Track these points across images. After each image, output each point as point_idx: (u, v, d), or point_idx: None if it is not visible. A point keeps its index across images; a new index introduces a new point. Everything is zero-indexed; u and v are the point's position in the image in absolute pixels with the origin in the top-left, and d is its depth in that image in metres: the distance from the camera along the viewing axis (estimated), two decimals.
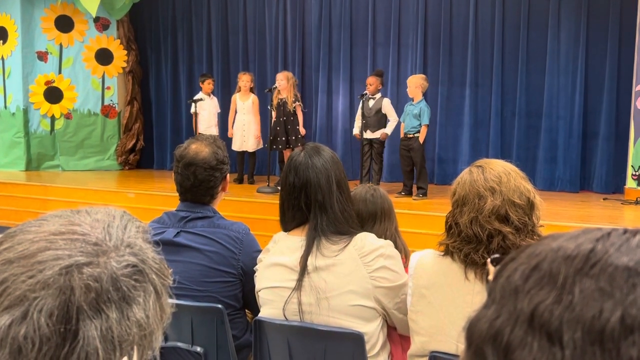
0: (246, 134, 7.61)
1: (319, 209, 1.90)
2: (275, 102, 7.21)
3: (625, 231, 0.46)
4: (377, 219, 2.34)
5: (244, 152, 7.71)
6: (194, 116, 7.63)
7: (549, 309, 0.42)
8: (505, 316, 0.44)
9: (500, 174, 1.73)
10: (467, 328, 0.46)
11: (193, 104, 7.57)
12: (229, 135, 7.63)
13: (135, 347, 0.68)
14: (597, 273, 0.42)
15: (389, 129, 7.00)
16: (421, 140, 6.57)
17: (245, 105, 7.59)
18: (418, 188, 6.68)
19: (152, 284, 0.71)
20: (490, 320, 0.44)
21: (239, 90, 7.65)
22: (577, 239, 0.46)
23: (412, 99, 6.74)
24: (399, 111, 7.32)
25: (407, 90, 6.80)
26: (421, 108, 6.58)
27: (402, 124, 6.84)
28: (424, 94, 6.79)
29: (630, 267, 0.42)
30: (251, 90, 7.68)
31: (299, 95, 7.41)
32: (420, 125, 6.57)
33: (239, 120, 7.61)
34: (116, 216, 0.75)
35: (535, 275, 0.44)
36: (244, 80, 7.57)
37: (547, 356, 0.40)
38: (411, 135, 6.63)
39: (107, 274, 0.67)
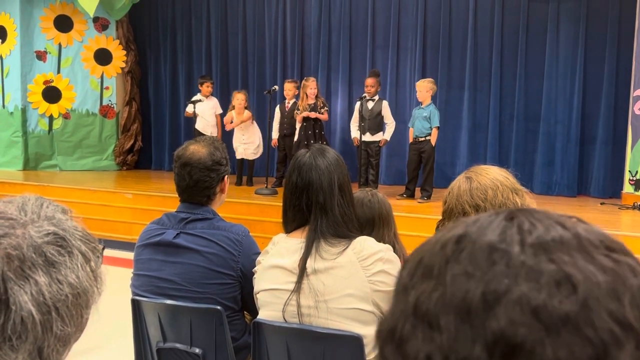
0: (247, 146, 7.68)
1: (319, 210, 1.89)
2: (302, 107, 7.23)
3: (497, 213, 0.48)
4: (375, 225, 2.33)
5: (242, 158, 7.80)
6: (194, 117, 7.65)
7: (427, 299, 0.44)
8: (397, 314, 0.46)
9: (487, 188, 1.68)
10: (376, 331, 0.49)
11: (191, 105, 7.58)
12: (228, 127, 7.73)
13: (71, 306, 0.72)
14: (464, 257, 0.45)
15: (387, 135, 7.01)
16: (433, 142, 6.63)
17: (242, 123, 7.63)
18: (423, 190, 6.70)
19: (77, 249, 0.74)
20: (387, 319, 0.47)
21: (233, 109, 7.65)
22: (454, 229, 0.48)
23: (421, 103, 6.77)
24: (399, 115, 7.34)
25: (417, 94, 6.83)
26: (431, 111, 6.64)
27: (410, 129, 6.87)
28: (433, 97, 6.82)
29: (491, 243, 0.45)
30: (245, 107, 7.70)
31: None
32: (431, 127, 6.62)
33: (238, 137, 7.68)
34: (31, 198, 0.78)
35: (419, 270, 0.47)
36: (239, 99, 7.55)
37: (428, 342, 0.43)
38: (422, 139, 6.67)
39: (27, 243, 0.70)
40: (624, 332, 0.41)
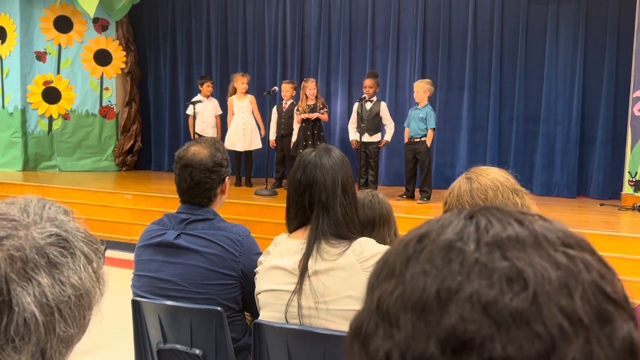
0: (247, 134, 7.60)
1: (321, 209, 1.90)
2: (301, 108, 7.23)
3: (459, 212, 0.49)
4: (376, 226, 2.33)
5: (241, 153, 7.71)
6: (190, 118, 7.64)
7: (388, 298, 0.45)
8: (364, 313, 0.47)
9: (487, 188, 1.68)
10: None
11: (191, 106, 7.58)
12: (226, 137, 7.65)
13: (74, 308, 0.72)
14: (423, 256, 0.46)
15: (388, 136, 7.01)
16: (428, 143, 6.64)
17: (243, 104, 7.59)
18: (422, 191, 6.71)
19: (80, 251, 0.75)
20: (356, 318, 0.48)
21: (234, 92, 7.64)
22: (419, 228, 0.50)
23: (418, 104, 6.78)
24: (399, 115, 7.33)
25: (414, 95, 6.83)
26: (427, 112, 6.64)
27: (406, 128, 6.87)
28: (431, 98, 6.84)
29: (449, 242, 0.46)
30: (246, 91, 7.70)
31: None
32: (426, 128, 6.62)
33: (239, 120, 7.59)
34: (33, 199, 0.78)
35: (384, 270, 0.48)
36: (243, 81, 7.57)
37: (388, 339, 0.44)
38: (418, 139, 6.66)
39: (29, 244, 0.70)
40: (573, 327, 0.41)
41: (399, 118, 7.90)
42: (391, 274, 0.47)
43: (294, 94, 7.56)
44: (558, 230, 0.47)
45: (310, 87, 7.23)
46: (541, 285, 0.42)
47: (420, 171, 6.72)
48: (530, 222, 0.47)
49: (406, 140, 6.85)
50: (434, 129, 6.70)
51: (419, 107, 6.73)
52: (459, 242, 0.45)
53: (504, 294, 0.42)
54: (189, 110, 7.62)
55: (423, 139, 6.63)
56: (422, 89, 6.71)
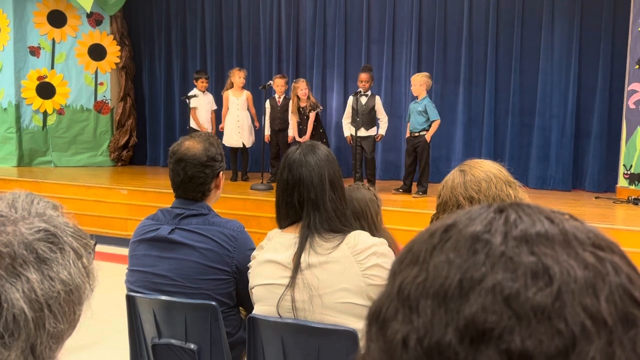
0: (241, 129, 7.60)
1: (311, 207, 1.90)
2: (294, 107, 7.22)
3: (489, 205, 0.50)
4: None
5: (237, 149, 7.73)
6: (192, 112, 7.63)
7: (410, 284, 0.46)
8: (384, 297, 0.48)
9: (480, 180, 1.69)
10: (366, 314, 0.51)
11: (188, 100, 7.57)
12: (220, 129, 7.65)
13: (63, 303, 0.71)
14: (449, 246, 0.46)
15: (382, 130, 6.99)
16: (428, 137, 6.59)
17: (239, 100, 7.59)
18: (419, 185, 6.70)
19: (69, 246, 0.74)
20: (376, 302, 0.49)
21: (231, 87, 7.63)
22: (446, 219, 0.50)
23: (417, 97, 6.75)
24: (395, 109, 7.32)
25: (412, 88, 6.81)
26: (426, 105, 6.60)
27: (408, 123, 6.84)
28: (428, 91, 6.80)
29: (476, 233, 0.46)
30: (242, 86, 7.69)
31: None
32: (426, 121, 6.59)
33: (233, 116, 7.61)
34: (21, 194, 0.78)
35: (408, 257, 0.48)
36: (241, 76, 7.57)
37: (407, 324, 0.44)
38: (417, 134, 6.64)
39: (18, 240, 0.69)
40: (596, 327, 0.41)
41: (395, 112, 7.90)
42: (415, 261, 0.47)
43: (286, 88, 7.56)
44: (589, 231, 0.47)
45: (302, 87, 7.17)
46: (566, 282, 0.42)
47: (418, 165, 6.71)
48: (561, 220, 0.47)
49: (407, 134, 6.83)
50: (438, 120, 6.62)
51: (417, 100, 6.71)
52: (486, 234, 0.46)
53: (528, 288, 0.42)
54: (191, 104, 7.62)
55: (423, 133, 6.60)
56: (418, 82, 6.67)
